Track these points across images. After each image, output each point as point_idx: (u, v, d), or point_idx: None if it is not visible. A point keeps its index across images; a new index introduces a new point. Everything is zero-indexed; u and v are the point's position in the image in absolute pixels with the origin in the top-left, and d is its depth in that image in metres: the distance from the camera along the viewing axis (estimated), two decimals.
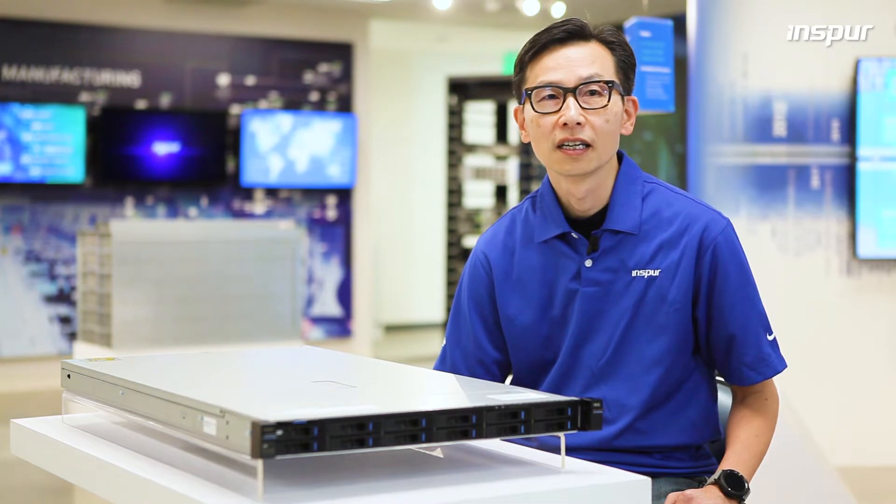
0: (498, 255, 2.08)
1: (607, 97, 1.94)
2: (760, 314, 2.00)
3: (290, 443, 1.31)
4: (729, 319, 1.97)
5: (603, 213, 2.00)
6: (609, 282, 1.97)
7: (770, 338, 2.00)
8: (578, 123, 1.92)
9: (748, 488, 1.91)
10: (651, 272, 1.96)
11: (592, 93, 1.94)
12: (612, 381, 1.98)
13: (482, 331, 2.09)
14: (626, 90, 1.99)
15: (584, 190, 1.98)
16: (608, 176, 2.00)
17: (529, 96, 1.97)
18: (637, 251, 1.97)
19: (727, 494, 1.88)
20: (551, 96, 1.95)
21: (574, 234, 1.99)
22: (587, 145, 1.93)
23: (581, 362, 1.99)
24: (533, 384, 2.05)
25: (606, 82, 1.94)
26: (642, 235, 1.97)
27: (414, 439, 1.40)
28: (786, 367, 2.00)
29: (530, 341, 2.04)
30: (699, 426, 2.02)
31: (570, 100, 1.93)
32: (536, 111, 1.96)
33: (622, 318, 1.97)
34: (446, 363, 2.13)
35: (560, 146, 1.94)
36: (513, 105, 8.15)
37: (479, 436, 1.44)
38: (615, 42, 1.98)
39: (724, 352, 1.99)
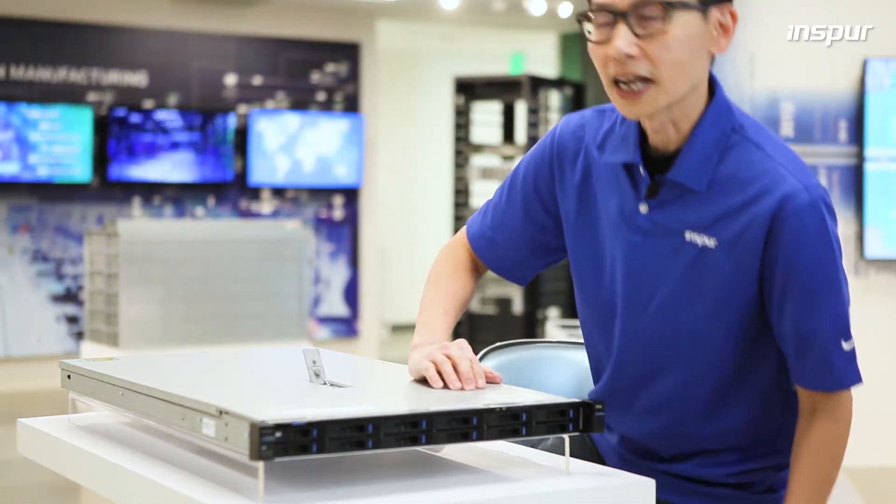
0: (570, 153, 1.81)
1: (667, 20, 1.59)
2: (837, 315, 1.64)
3: (289, 445, 1.30)
4: (797, 315, 1.63)
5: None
6: (658, 235, 1.69)
7: (846, 346, 1.65)
8: (630, 56, 1.61)
9: None
10: (706, 240, 1.66)
11: (648, 17, 1.59)
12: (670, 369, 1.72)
13: (526, 209, 1.86)
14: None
15: (658, 123, 1.67)
16: (692, 108, 1.67)
17: (587, 20, 1.65)
18: (697, 211, 1.66)
19: None
20: (605, 23, 1.62)
21: (641, 171, 1.70)
22: (647, 80, 1.62)
23: (626, 331, 1.74)
24: (600, 332, 1.81)
25: (662, 3, 1.59)
26: (708, 194, 1.66)
27: (414, 441, 1.39)
28: (858, 382, 1.66)
29: (585, 270, 1.80)
30: (742, 432, 1.74)
31: (620, 27, 1.60)
32: (589, 40, 1.65)
33: (664, 283, 1.69)
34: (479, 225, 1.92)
35: (616, 82, 1.63)
36: (521, 104, 7.93)
37: (480, 438, 1.43)
38: None
39: (790, 349, 1.67)
